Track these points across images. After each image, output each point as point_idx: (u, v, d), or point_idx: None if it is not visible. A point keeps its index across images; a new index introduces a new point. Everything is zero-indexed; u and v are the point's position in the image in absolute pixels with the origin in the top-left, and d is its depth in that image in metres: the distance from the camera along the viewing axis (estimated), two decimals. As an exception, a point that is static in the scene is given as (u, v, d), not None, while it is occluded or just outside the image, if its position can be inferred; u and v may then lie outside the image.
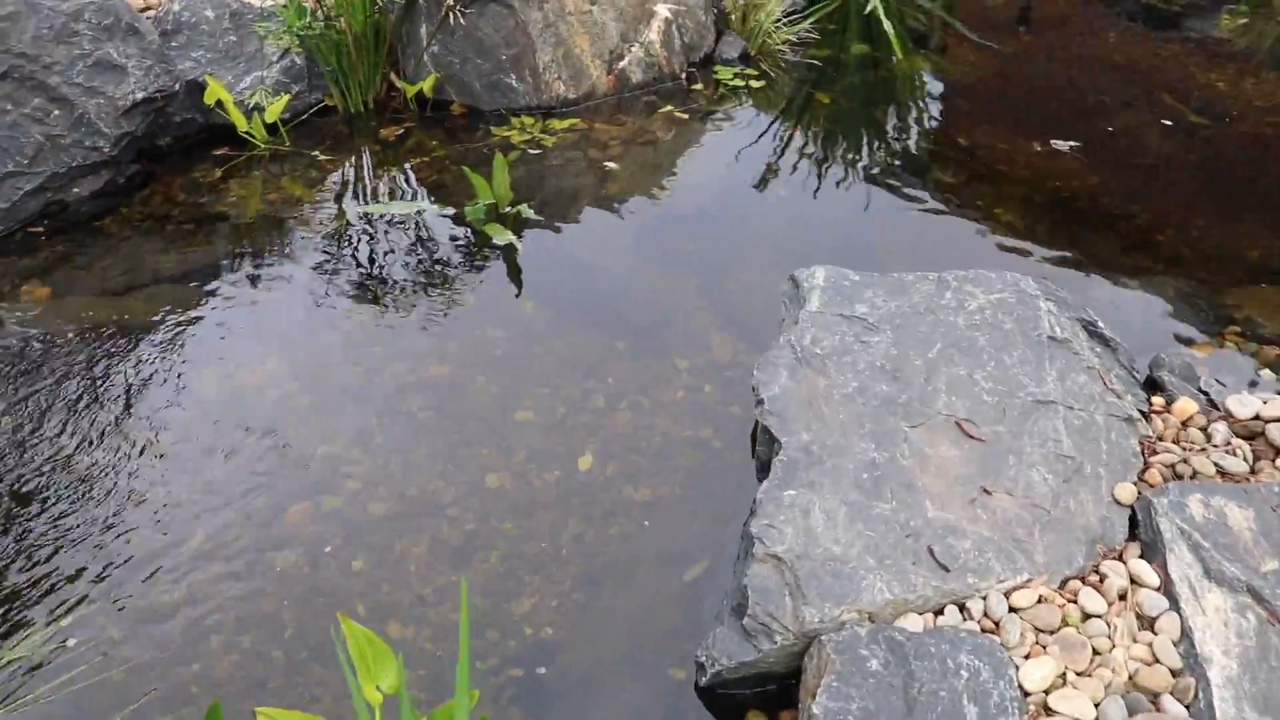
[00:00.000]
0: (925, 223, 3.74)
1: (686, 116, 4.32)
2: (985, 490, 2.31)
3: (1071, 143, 4.14)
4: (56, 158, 3.84)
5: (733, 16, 4.84)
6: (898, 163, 4.11)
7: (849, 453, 2.37)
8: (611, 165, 4.03)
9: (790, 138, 4.24)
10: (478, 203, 3.68)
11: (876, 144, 4.26)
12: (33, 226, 3.88)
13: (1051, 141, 4.15)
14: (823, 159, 4.14)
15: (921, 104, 4.59)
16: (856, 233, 3.73)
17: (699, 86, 4.57)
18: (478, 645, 2.36)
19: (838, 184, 3.99)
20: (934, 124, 4.41)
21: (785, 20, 4.94)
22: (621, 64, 4.41)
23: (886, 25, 5.04)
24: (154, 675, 2.32)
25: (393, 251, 3.68)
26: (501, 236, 3.58)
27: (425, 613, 2.44)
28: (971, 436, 2.42)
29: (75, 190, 3.92)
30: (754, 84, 4.59)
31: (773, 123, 4.36)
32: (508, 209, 3.72)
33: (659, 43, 4.47)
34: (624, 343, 3.20)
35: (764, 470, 2.47)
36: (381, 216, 3.82)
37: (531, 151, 4.11)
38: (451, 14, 4.19)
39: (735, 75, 4.65)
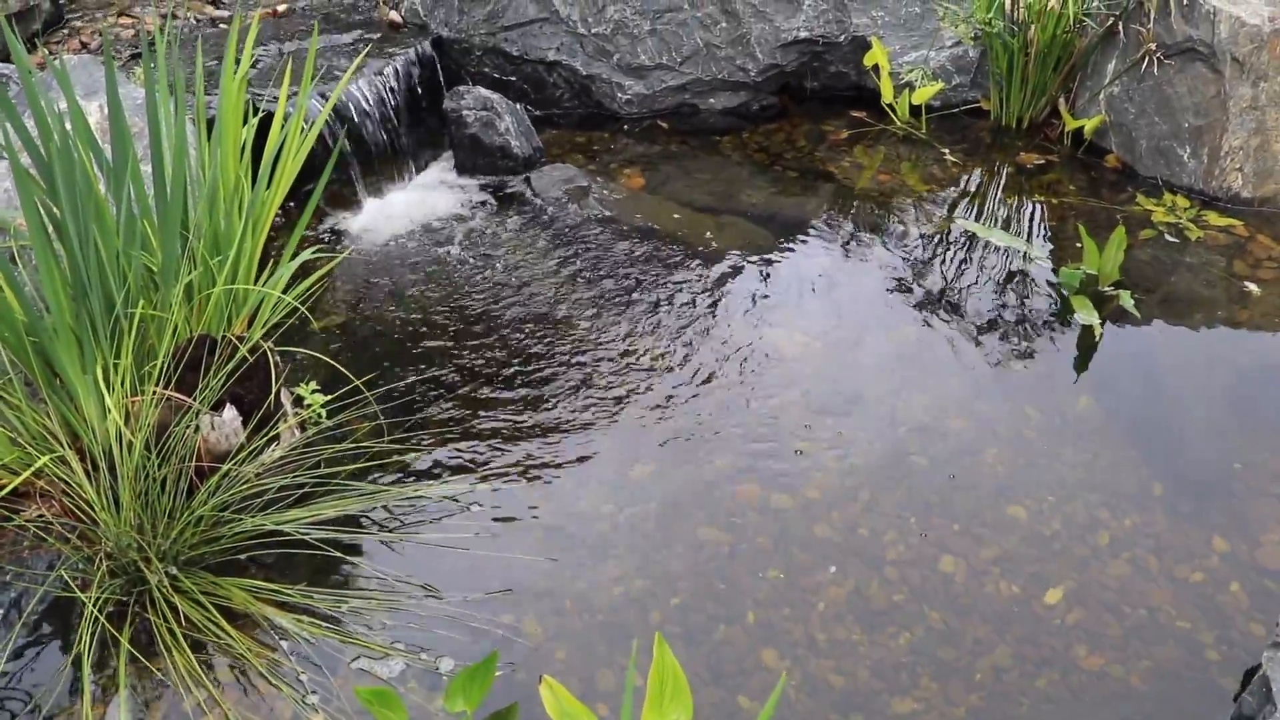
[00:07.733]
0: None
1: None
2: None
3: None
4: (705, 66, 3.98)
5: None
6: None
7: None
8: (1253, 288, 3.38)
9: None
10: (1078, 268, 3.26)
11: None
12: (661, 120, 4.08)
13: None
14: None
15: None
16: None
17: None
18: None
19: None
20: None
21: None
22: (1329, 180, 3.67)
23: None
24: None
25: (971, 279, 3.39)
26: (1086, 314, 3.14)
27: (805, 660, 2.24)
28: None
29: (711, 101, 4.05)
30: None
31: None
32: (1108, 289, 3.27)
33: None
34: (1164, 487, 2.69)
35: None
36: (982, 241, 3.54)
37: (1169, 238, 3.56)
38: (1150, 59, 3.71)
39: None
